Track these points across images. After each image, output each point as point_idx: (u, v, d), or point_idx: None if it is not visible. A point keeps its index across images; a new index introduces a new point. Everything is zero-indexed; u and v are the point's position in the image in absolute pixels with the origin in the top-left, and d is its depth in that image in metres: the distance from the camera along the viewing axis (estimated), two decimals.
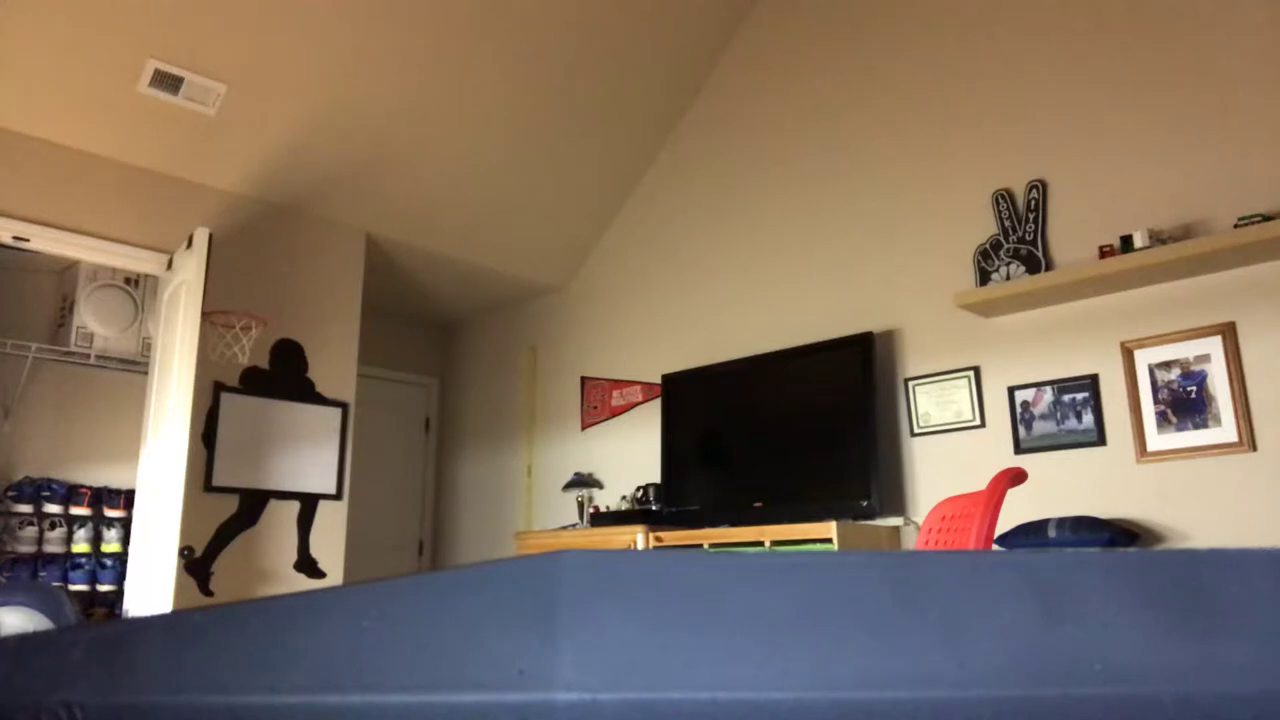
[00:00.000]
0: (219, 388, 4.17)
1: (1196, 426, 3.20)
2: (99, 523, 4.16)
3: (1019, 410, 3.62)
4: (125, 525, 4.16)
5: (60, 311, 4.32)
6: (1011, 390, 3.66)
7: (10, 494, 3.99)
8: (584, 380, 5.42)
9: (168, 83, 3.84)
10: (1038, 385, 3.59)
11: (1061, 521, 3.24)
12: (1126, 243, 3.30)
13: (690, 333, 4.93)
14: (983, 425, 3.72)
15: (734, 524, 4.06)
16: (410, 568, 6.05)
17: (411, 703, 0.37)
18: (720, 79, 5.08)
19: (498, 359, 6.06)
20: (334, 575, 4.43)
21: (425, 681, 0.37)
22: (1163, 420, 3.28)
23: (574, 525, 4.98)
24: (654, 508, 4.65)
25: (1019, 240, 3.70)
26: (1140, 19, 3.55)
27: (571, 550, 0.37)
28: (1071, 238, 3.59)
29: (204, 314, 3.76)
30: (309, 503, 4.39)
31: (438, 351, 6.47)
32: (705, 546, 3.91)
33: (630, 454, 5.06)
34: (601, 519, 4.65)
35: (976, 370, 3.77)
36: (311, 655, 0.41)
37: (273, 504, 4.26)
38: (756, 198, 4.76)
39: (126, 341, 4.34)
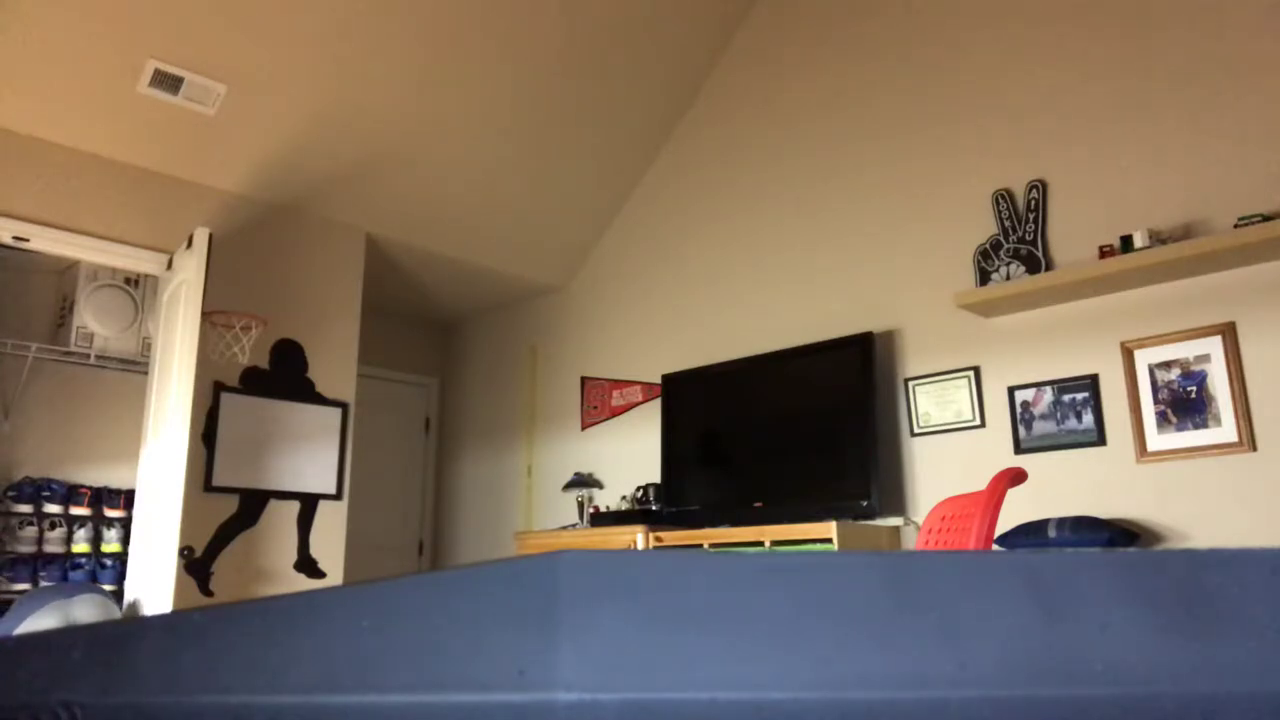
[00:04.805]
0: (219, 388, 4.17)
1: (1196, 426, 3.20)
2: (99, 523, 4.16)
3: (1019, 410, 3.62)
4: (125, 525, 4.16)
5: (60, 311, 4.32)
6: (1011, 390, 3.66)
7: (10, 494, 3.99)
8: (584, 380, 5.42)
9: (168, 83, 3.84)
10: (1038, 385, 3.59)
11: (1061, 521, 3.24)
12: (1126, 243, 3.30)
13: (690, 333, 4.93)
14: (983, 425, 3.72)
15: (734, 524, 4.06)
16: (410, 568, 6.05)
17: (411, 703, 0.37)
18: (720, 79, 5.08)
19: (498, 359, 6.06)
20: (334, 575, 4.43)
21: (425, 681, 0.37)
22: (1163, 420, 3.28)
23: (574, 525, 4.98)
24: (654, 508, 4.65)
25: (1019, 240, 3.70)
26: (1141, 19, 3.55)
27: (571, 550, 0.37)
28: (1071, 238, 3.59)
29: (204, 314, 3.76)
30: (309, 503, 4.39)
31: (438, 351, 6.47)
32: (705, 546, 3.91)
33: (630, 454, 5.06)
34: (601, 519, 4.65)
35: (976, 370, 3.77)
36: (311, 655, 0.41)
37: (273, 504, 4.26)
38: (756, 198, 4.76)
39: (126, 341, 4.34)
